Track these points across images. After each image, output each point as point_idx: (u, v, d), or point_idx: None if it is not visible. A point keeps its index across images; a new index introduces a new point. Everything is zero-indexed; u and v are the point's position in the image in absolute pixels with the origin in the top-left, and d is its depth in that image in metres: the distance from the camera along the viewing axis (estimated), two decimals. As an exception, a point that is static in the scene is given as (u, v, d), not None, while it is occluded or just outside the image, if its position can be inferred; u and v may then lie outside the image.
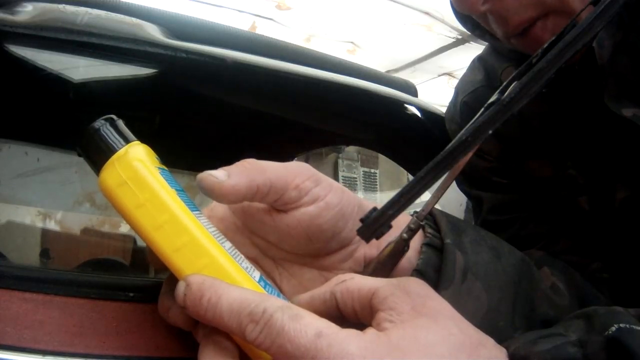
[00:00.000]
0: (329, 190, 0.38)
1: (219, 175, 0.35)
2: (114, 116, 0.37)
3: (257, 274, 0.36)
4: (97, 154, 0.35)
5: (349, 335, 0.29)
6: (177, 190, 0.35)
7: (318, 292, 0.35)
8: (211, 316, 0.31)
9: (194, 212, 0.35)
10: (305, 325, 0.29)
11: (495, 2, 0.48)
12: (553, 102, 0.55)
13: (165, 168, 0.37)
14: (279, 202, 0.38)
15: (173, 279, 0.35)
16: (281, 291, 0.41)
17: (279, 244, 0.40)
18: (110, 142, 0.35)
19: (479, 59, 0.68)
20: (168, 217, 0.34)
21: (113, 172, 0.34)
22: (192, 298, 0.32)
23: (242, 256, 0.37)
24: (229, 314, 0.31)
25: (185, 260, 0.34)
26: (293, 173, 0.38)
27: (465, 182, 0.68)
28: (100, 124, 0.36)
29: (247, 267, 0.36)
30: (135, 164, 0.34)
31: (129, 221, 0.35)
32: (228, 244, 0.37)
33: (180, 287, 0.33)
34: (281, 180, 0.37)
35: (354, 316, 0.34)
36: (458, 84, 0.70)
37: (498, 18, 0.49)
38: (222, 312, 0.31)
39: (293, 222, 0.38)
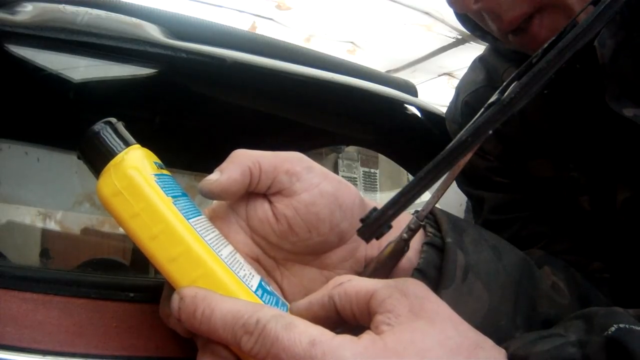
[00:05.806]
0: (323, 178, 0.39)
1: (213, 176, 0.37)
2: (113, 119, 0.37)
3: (255, 281, 0.36)
4: (96, 158, 0.35)
5: (344, 342, 0.29)
6: (174, 197, 0.35)
7: (316, 296, 0.35)
8: (206, 329, 0.32)
9: (193, 219, 0.35)
10: (299, 334, 0.29)
11: (488, 0, 0.48)
12: (554, 102, 0.55)
13: (165, 172, 0.37)
14: (272, 189, 0.38)
15: None
16: (282, 291, 0.41)
17: (280, 242, 0.40)
18: (110, 145, 0.35)
19: (480, 59, 0.68)
20: (163, 227, 0.34)
21: (108, 181, 0.34)
22: (186, 311, 0.32)
23: (242, 261, 0.37)
24: (223, 326, 0.31)
25: (180, 270, 0.34)
26: (282, 158, 0.39)
27: (467, 181, 0.68)
28: (100, 127, 0.36)
29: (244, 275, 0.35)
30: (131, 172, 0.34)
31: (125, 230, 0.35)
32: (227, 250, 0.36)
33: (175, 300, 0.33)
34: (270, 164, 0.38)
35: (353, 319, 0.33)
36: (459, 83, 0.70)
37: (492, 15, 0.49)
38: (216, 324, 0.31)
39: (290, 213, 0.38)
